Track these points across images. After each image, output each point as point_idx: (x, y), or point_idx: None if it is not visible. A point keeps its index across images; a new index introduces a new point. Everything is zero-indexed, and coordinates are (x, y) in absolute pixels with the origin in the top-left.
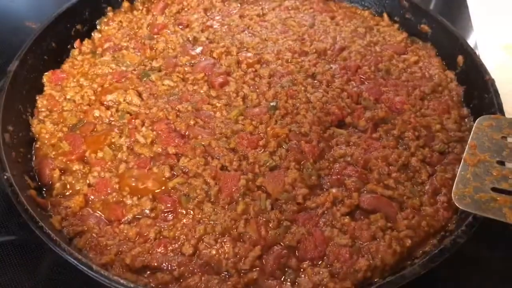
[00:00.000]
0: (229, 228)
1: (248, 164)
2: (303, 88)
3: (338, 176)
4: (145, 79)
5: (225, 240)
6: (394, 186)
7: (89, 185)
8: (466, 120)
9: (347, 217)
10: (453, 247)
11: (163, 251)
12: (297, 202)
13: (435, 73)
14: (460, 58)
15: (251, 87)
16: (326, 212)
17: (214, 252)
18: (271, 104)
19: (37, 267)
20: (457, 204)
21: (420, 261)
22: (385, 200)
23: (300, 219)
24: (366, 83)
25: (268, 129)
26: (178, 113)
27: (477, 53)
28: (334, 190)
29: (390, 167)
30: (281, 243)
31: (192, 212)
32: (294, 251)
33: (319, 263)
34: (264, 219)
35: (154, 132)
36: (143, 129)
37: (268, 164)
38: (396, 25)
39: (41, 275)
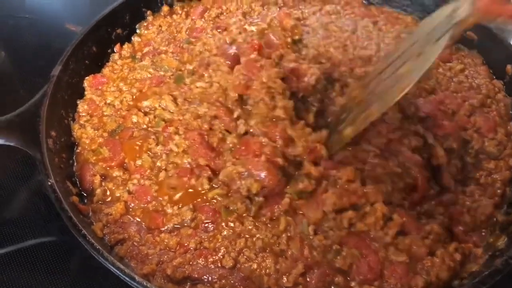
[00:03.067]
0: (271, 244)
1: None
2: None
3: None
4: (180, 83)
5: (266, 255)
6: None
7: (129, 192)
8: None
9: (401, 236)
10: (505, 268)
11: (203, 262)
12: (343, 227)
13: (482, 83)
14: (509, 68)
15: None
16: (377, 233)
17: (255, 266)
18: None
19: (74, 268)
20: None
21: (470, 282)
22: None
23: (351, 242)
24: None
25: None
26: (211, 125)
27: None
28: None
29: None
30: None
31: (232, 225)
32: (343, 272)
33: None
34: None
35: (187, 142)
36: (176, 137)
37: None
38: None
39: (77, 276)
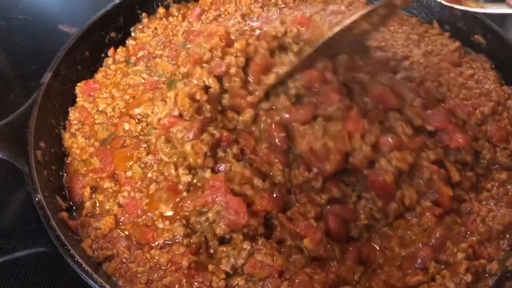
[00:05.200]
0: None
1: None
2: None
3: None
4: (172, 88)
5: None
6: None
7: (119, 205)
8: None
9: None
10: None
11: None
12: None
13: (492, 88)
14: None
15: None
16: None
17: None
18: None
19: (65, 279)
20: None
21: None
22: None
23: None
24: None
25: None
26: None
27: None
28: None
29: None
30: None
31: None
32: None
33: None
34: None
35: None
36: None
37: None
38: (447, 34)
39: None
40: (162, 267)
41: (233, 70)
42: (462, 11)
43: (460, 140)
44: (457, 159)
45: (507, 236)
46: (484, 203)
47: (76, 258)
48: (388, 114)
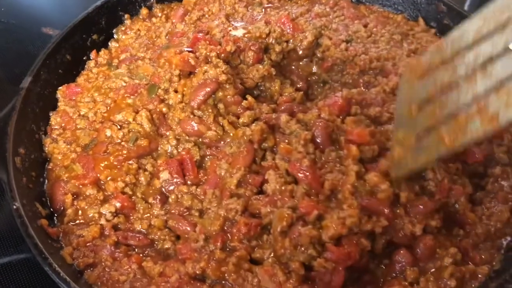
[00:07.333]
0: None
1: None
2: None
3: None
4: (153, 95)
5: None
6: None
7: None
8: None
9: None
10: None
11: None
12: None
13: None
14: None
15: None
16: None
17: None
18: None
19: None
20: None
21: None
22: None
23: None
24: None
25: None
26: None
27: None
28: None
29: None
30: None
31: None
32: None
33: None
34: None
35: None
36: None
37: None
38: (433, 30)
39: None
40: (145, 276)
41: (223, 77)
42: (448, 7)
43: (477, 155)
44: (470, 171)
45: (506, 234)
46: (477, 203)
47: (54, 267)
48: None
